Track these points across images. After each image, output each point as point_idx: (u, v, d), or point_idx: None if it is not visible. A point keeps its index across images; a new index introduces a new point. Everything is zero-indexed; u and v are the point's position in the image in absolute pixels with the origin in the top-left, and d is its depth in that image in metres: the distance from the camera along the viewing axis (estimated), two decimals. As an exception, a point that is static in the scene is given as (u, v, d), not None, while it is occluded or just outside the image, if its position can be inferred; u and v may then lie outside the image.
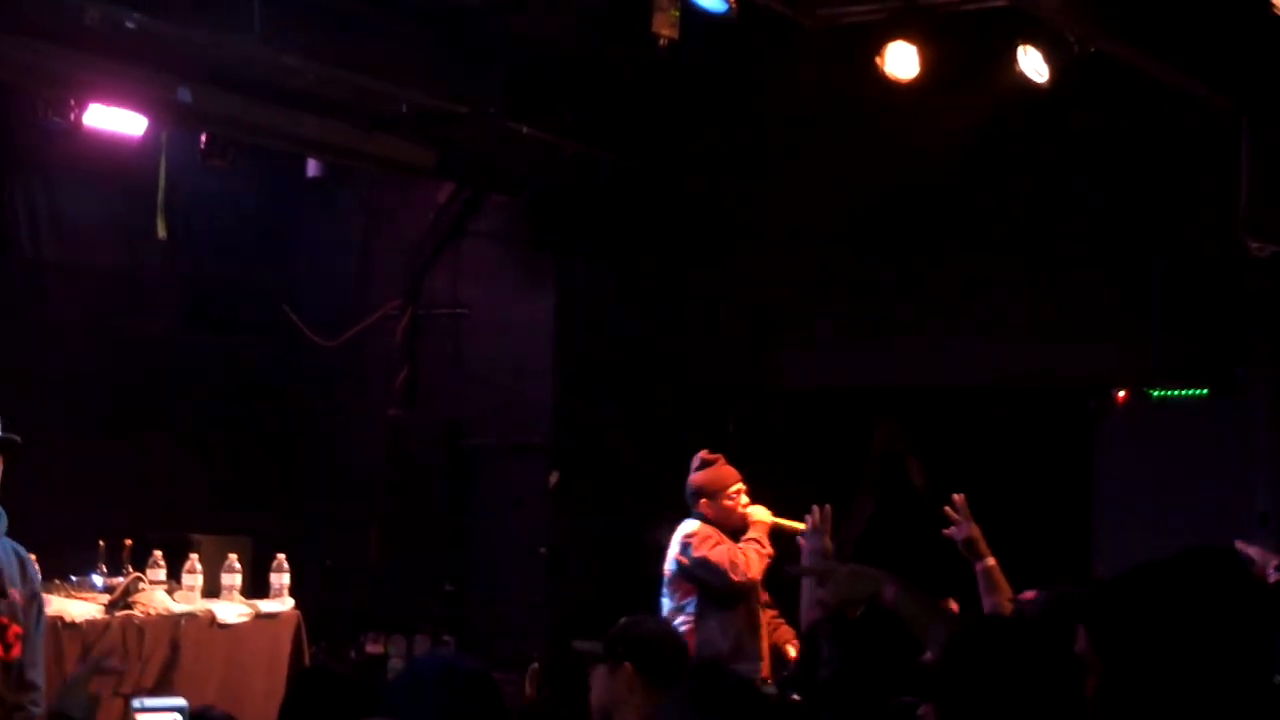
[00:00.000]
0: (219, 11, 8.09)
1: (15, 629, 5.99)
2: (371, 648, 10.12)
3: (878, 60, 8.90)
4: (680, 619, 8.19)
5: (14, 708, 5.89)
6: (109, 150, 9.29)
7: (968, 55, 9.09)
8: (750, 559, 8.12)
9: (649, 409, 10.87)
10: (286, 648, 8.42)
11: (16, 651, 5.97)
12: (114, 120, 8.89)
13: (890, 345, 10.65)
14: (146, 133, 9.17)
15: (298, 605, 8.59)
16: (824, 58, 9.38)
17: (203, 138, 9.41)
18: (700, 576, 8.15)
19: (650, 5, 7.98)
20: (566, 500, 10.60)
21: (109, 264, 10.46)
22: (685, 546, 8.21)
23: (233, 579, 8.35)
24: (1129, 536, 9.69)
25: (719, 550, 8.11)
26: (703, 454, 8.45)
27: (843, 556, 9.05)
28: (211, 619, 8.10)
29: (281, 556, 8.65)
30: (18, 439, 5.82)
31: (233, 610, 8.23)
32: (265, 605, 8.43)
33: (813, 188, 10.61)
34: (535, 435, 10.79)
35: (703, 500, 8.35)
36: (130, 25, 7.81)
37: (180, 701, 4.44)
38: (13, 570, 6.09)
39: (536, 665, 9.95)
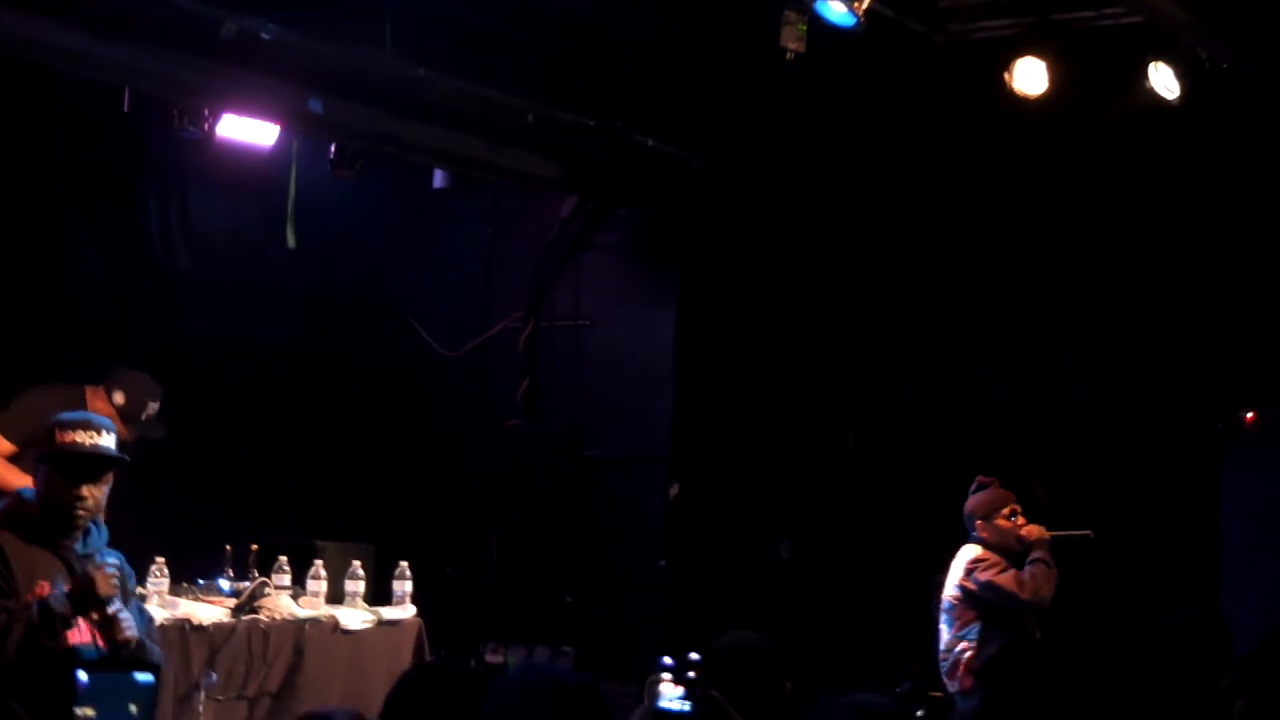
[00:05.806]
0: (351, 25, 8.19)
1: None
2: (491, 657, 10.13)
3: (1006, 76, 8.85)
4: (961, 645, 8.31)
5: None
6: (241, 160, 9.40)
7: (1097, 72, 9.01)
8: (1039, 579, 8.26)
9: (770, 423, 10.85)
10: (408, 655, 8.46)
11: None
12: (246, 130, 9.01)
13: (1015, 361, 10.56)
14: (277, 143, 9.27)
15: (419, 613, 8.64)
16: (952, 72, 9.34)
17: (332, 148, 9.53)
18: (987, 599, 8.29)
19: (778, 19, 7.99)
20: (686, 512, 10.59)
21: (239, 272, 10.56)
22: (970, 572, 8.37)
23: (356, 585, 8.40)
24: (1259, 564, 9.53)
25: (1005, 574, 8.28)
26: (979, 478, 8.62)
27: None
28: (335, 625, 8.16)
29: (404, 564, 8.69)
30: (127, 458, 5.88)
31: (356, 617, 8.28)
32: (388, 612, 8.48)
33: (940, 202, 10.56)
34: (656, 447, 10.79)
35: (978, 523, 8.52)
36: (265, 37, 7.93)
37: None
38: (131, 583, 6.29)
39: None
